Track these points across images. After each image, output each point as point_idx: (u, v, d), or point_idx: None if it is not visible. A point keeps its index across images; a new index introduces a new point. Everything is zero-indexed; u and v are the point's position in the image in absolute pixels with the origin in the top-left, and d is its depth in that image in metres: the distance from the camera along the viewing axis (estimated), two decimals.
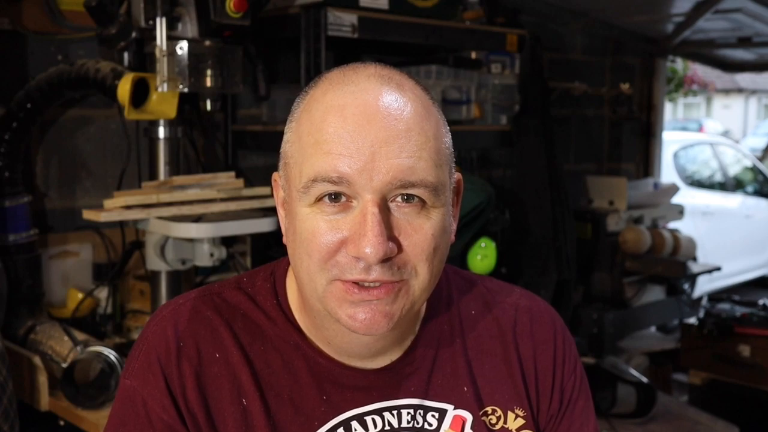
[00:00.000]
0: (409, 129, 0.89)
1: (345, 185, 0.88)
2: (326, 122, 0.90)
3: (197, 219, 2.15)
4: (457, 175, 1.00)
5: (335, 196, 0.89)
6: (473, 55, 3.12)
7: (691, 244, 4.12)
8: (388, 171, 0.87)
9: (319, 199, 0.90)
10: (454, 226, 1.00)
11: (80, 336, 2.20)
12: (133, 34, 2.18)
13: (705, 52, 5.37)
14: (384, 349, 1.01)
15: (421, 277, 0.92)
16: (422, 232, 0.90)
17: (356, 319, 0.90)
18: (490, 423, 1.04)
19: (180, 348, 0.98)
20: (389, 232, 0.88)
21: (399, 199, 0.89)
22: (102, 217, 2.09)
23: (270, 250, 2.59)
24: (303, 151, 0.92)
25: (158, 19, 2.10)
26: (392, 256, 0.89)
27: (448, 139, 0.96)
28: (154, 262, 2.24)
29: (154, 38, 2.12)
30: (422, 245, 0.90)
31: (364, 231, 0.87)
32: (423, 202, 0.90)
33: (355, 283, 0.90)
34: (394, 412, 1.01)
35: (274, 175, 1.03)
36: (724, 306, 4.01)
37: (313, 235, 0.90)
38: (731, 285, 6.74)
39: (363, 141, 0.87)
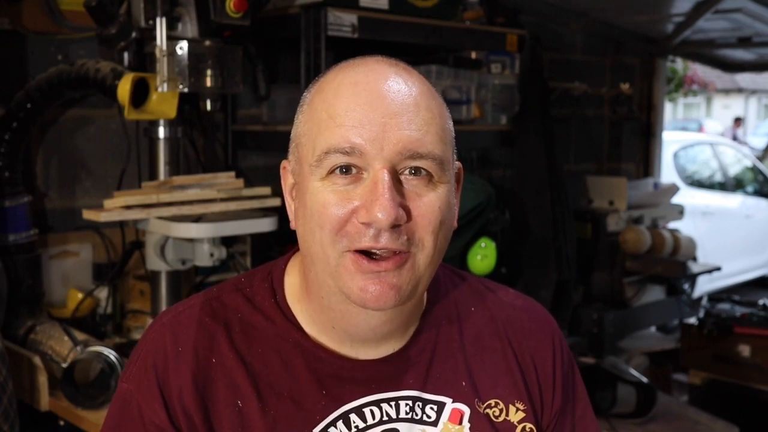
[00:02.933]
0: (417, 104, 0.94)
1: (357, 156, 0.91)
2: (339, 97, 0.94)
3: (197, 219, 2.15)
4: (458, 164, 1.04)
5: (346, 169, 0.92)
6: (473, 55, 3.12)
7: (691, 244, 4.12)
8: (398, 141, 0.91)
9: (331, 172, 0.93)
10: (457, 212, 1.02)
11: (80, 336, 2.20)
12: (133, 34, 2.18)
13: (705, 52, 5.37)
14: (388, 335, 1.03)
15: (426, 250, 0.94)
16: (430, 204, 0.94)
17: (367, 292, 0.92)
18: (493, 415, 1.06)
19: (178, 353, 1.00)
20: (400, 200, 0.91)
21: (407, 172, 0.93)
22: (102, 217, 2.09)
23: (270, 250, 2.59)
24: (316, 126, 0.95)
25: (158, 19, 2.10)
26: (402, 223, 0.91)
27: (451, 123, 1.00)
28: (154, 262, 2.24)
29: (154, 38, 2.12)
30: (430, 216, 0.93)
31: (376, 196, 0.90)
32: (430, 176, 0.94)
33: (365, 254, 0.92)
34: (392, 403, 1.02)
35: (283, 163, 1.05)
36: (724, 306, 4.01)
37: (324, 206, 0.93)
38: (731, 285, 6.74)
39: (374, 114, 0.92)
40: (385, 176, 0.90)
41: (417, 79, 0.97)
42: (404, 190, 0.93)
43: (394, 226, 0.91)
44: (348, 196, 0.92)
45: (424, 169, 0.93)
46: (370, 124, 0.91)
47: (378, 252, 0.92)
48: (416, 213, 0.93)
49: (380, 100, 0.92)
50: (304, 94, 1.01)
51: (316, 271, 0.97)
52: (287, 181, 1.04)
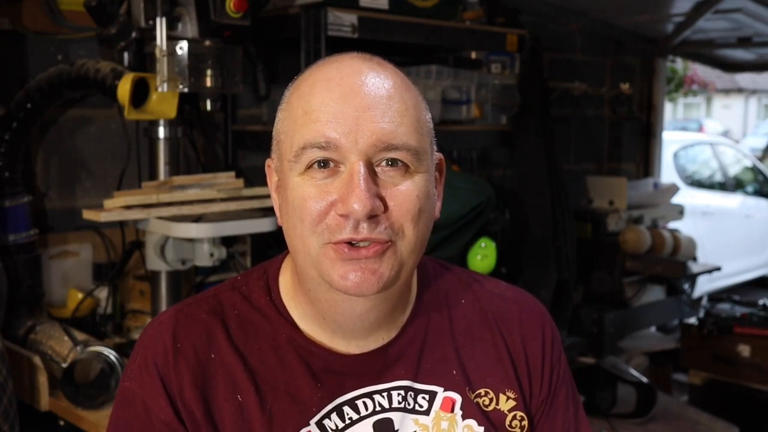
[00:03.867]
0: (390, 97, 0.96)
1: (333, 150, 0.93)
2: (313, 94, 0.96)
3: (197, 219, 2.15)
4: (439, 155, 1.05)
5: (324, 163, 0.94)
6: (473, 55, 3.11)
7: (691, 244, 4.11)
8: (372, 134, 0.93)
9: (309, 167, 0.95)
10: (439, 203, 1.04)
11: (80, 336, 2.20)
12: (133, 34, 2.18)
13: (705, 52, 5.37)
14: (377, 324, 1.04)
15: (408, 239, 0.96)
16: (407, 193, 0.95)
17: (347, 279, 0.94)
18: (483, 404, 1.08)
19: (177, 350, 1.01)
20: (376, 191, 0.93)
21: (384, 163, 0.95)
22: (102, 217, 2.09)
23: (270, 250, 2.59)
24: (293, 123, 0.97)
25: (158, 19, 2.10)
26: (379, 213, 0.93)
27: (428, 115, 1.02)
28: (154, 262, 2.24)
29: (154, 38, 2.12)
30: (408, 205, 0.95)
31: (352, 188, 0.92)
32: (406, 167, 0.96)
33: (346, 243, 0.94)
34: (384, 394, 1.04)
35: (267, 161, 1.07)
36: (724, 306, 4.01)
37: (304, 200, 0.94)
38: (731, 285, 6.74)
39: (348, 108, 0.93)
40: (361, 168, 0.92)
41: (391, 73, 0.99)
42: (380, 181, 0.94)
43: (372, 217, 0.92)
44: (326, 189, 0.94)
45: (399, 160, 0.95)
46: (344, 118, 0.93)
47: (359, 242, 0.94)
48: (393, 202, 0.94)
49: (353, 94, 0.94)
50: (285, 92, 1.03)
51: (300, 264, 0.99)
52: (272, 179, 1.06)
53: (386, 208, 0.94)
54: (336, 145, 0.93)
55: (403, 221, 0.95)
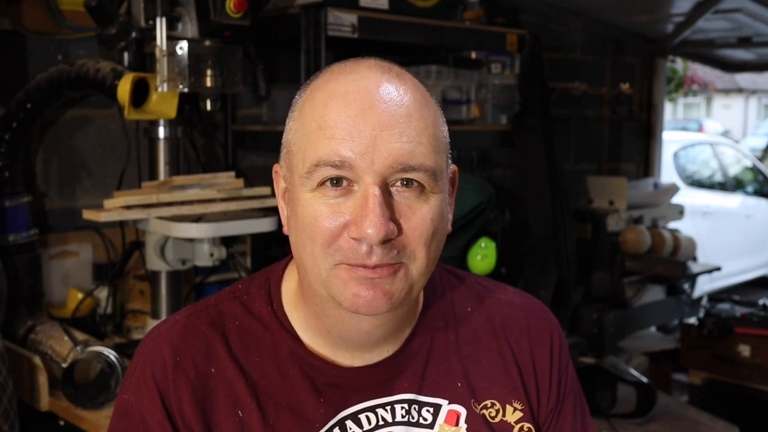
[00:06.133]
0: (410, 115, 0.92)
1: (347, 169, 0.90)
2: (329, 108, 0.92)
3: (197, 219, 2.15)
4: (453, 167, 1.03)
5: (337, 181, 0.91)
6: (473, 55, 3.12)
7: (691, 244, 4.12)
8: (389, 155, 0.89)
9: (322, 184, 0.91)
10: (450, 216, 1.02)
11: (80, 336, 2.20)
12: (133, 34, 2.18)
13: (705, 52, 5.36)
14: (383, 339, 1.02)
15: (419, 262, 0.94)
16: (421, 216, 0.93)
17: (359, 297, 0.92)
18: (489, 416, 1.06)
19: (177, 363, 0.99)
20: (390, 214, 0.90)
21: (399, 183, 0.92)
22: (102, 217, 2.09)
23: (270, 250, 2.59)
24: (306, 137, 0.93)
25: (158, 19, 2.10)
26: (393, 237, 0.90)
27: (445, 129, 0.99)
28: (154, 262, 2.24)
29: (154, 38, 2.12)
30: (421, 228, 0.92)
31: (366, 212, 0.89)
32: (422, 187, 0.93)
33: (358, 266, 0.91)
34: (388, 407, 1.02)
35: (275, 167, 1.04)
36: (724, 306, 4.01)
37: (316, 219, 0.91)
38: (731, 285, 6.74)
39: (364, 125, 0.90)
40: (376, 191, 0.89)
41: (410, 86, 0.95)
42: (395, 203, 0.91)
43: (386, 241, 0.90)
44: (339, 209, 0.91)
45: (415, 180, 0.92)
46: (360, 136, 0.89)
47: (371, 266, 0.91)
48: (407, 226, 0.92)
49: (371, 111, 0.90)
50: (296, 97, 1.00)
51: (309, 281, 0.97)
52: (279, 186, 1.03)
53: (400, 231, 0.91)
54: (351, 164, 0.89)
55: (415, 245, 0.92)
